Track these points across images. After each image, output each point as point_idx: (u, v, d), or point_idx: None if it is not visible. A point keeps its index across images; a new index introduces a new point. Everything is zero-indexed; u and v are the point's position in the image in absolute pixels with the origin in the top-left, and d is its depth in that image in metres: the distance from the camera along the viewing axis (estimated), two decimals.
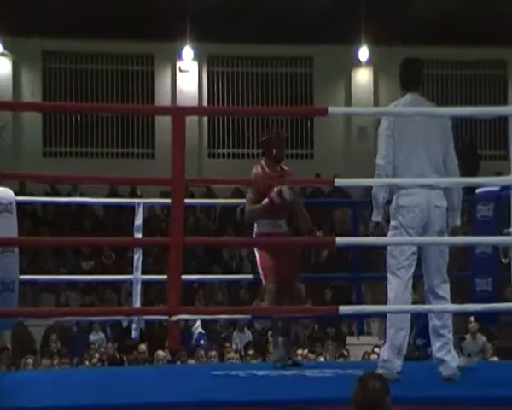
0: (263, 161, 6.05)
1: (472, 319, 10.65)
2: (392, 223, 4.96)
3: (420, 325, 8.49)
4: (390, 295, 4.96)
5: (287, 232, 6.03)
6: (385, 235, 4.99)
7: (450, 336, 4.99)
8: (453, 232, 5.03)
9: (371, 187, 5.19)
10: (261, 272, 5.96)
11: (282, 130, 6.07)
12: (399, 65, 5.25)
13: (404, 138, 4.96)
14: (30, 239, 8.99)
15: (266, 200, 5.86)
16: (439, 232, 4.96)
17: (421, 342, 7.84)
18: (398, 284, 4.93)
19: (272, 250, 5.87)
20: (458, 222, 5.08)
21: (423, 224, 4.94)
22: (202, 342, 11.65)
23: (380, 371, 4.79)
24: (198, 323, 11.75)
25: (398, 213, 4.94)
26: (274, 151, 5.99)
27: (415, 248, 4.95)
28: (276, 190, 5.85)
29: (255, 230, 6.03)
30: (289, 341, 6.05)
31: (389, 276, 4.99)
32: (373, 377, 3.22)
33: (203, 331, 11.84)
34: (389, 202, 5.05)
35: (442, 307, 5.02)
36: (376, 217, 4.96)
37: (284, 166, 6.11)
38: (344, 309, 4.78)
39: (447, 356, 4.98)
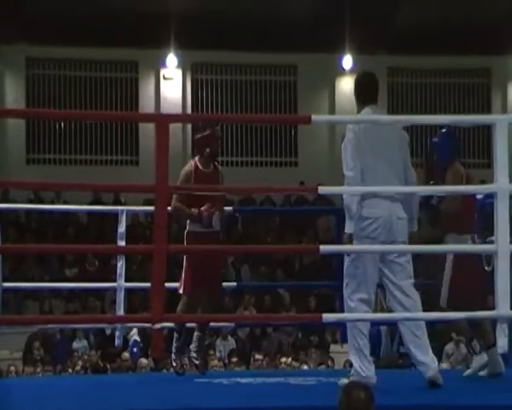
0: (197, 158, 5.97)
1: None
2: (356, 233, 4.98)
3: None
4: (349, 304, 4.98)
5: (219, 231, 5.95)
6: None
7: (426, 338, 5.01)
8: (412, 238, 5.06)
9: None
10: (181, 281, 5.94)
11: (218, 128, 5.99)
12: (355, 79, 5.31)
13: (369, 150, 4.98)
14: (13, 247, 8.95)
15: (195, 211, 5.82)
16: (402, 243, 4.98)
17: (404, 350, 7.85)
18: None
19: (199, 261, 5.84)
20: (415, 228, 5.13)
21: (387, 235, 4.96)
22: (135, 350, 11.58)
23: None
24: (134, 330, 11.69)
25: (361, 222, 4.96)
26: (208, 149, 5.93)
27: (377, 261, 4.97)
28: (206, 211, 5.80)
29: (187, 227, 5.95)
30: (201, 348, 6.04)
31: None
32: (357, 387, 3.23)
33: (138, 339, 11.78)
34: None
35: (426, 314, 5.04)
36: (349, 228, 4.97)
37: (218, 165, 6.05)
38: (327, 317, 4.79)
39: (426, 358, 4.99)
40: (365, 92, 5.19)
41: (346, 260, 5.04)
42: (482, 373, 5.65)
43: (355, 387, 3.24)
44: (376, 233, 4.95)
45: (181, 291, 5.93)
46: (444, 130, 5.93)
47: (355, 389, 3.20)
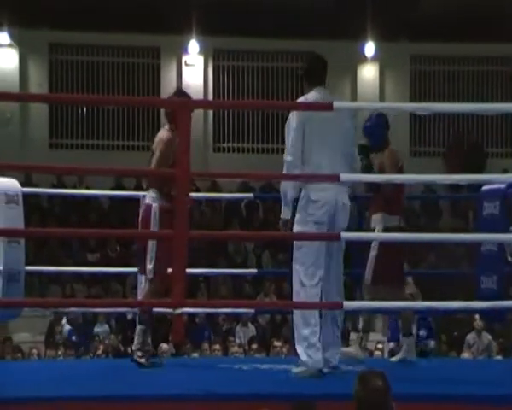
0: (168, 127, 5.80)
1: (477, 316, 10.65)
2: (299, 217, 4.96)
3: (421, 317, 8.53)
4: (298, 290, 4.97)
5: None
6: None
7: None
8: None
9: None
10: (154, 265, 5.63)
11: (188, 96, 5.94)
12: (305, 61, 5.34)
13: (315, 134, 4.98)
14: (36, 230, 9.03)
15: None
16: (342, 230, 4.97)
17: (424, 334, 7.90)
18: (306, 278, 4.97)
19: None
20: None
21: (330, 220, 4.96)
22: (74, 338, 11.59)
23: (298, 369, 4.89)
24: (64, 320, 11.69)
25: (307, 207, 4.93)
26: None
27: (323, 246, 4.97)
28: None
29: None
30: (146, 332, 5.70)
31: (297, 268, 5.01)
32: (375, 375, 3.22)
33: (72, 328, 11.80)
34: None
35: (442, 304, 5.05)
36: (286, 214, 4.97)
37: None
38: (348, 305, 4.80)
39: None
40: (314, 74, 5.26)
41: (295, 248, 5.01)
42: (393, 359, 5.78)
43: (372, 375, 3.22)
44: (325, 218, 4.93)
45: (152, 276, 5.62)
46: (375, 113, 5.94)
47: (372, 378, 3.19)
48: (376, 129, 5.92)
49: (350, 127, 5.12)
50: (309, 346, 4.92)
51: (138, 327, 5.70)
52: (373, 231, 5.72)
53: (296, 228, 5.01)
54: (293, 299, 5.03)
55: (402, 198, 5.66)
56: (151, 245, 5.61)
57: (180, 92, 5.98)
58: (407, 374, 5.20)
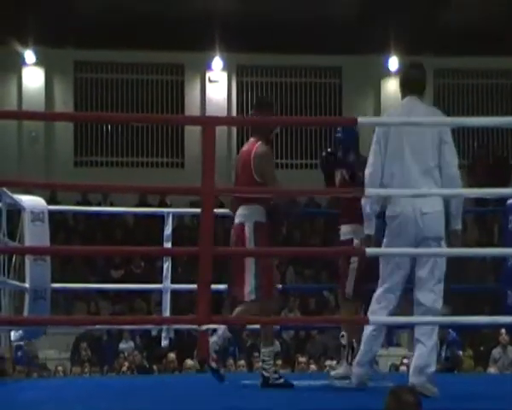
0: (259, 140, 5.55)
1: (503, 331, 10.56)
2: (386, 231, 4.93)
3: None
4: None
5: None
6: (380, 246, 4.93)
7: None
8: (454, 237, 4.93)
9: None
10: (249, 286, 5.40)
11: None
12: (402, 69, 5.26)
13: (391, 146, 4.91)
14: (61, 248, 9.07)
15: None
16: (433, 239, 4.85)
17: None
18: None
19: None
20: (458, 226, 4.96)
21: (410, 232, 4.84)
22: (19, 353, 11.44)
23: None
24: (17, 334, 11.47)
25: (387, 221, 4.91)
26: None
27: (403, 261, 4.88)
28: None
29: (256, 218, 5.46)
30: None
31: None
32: (406, 391, 3.21)
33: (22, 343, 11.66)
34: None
35: (472, 318, 5.00)
36: (367, 229, 4.92)
37: None
38: (375, 319, 4.77)
39: None
40: (407, 83, 5.13)
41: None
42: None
43: (404, 390, 3.21)
44: (400, 229, 4.83)
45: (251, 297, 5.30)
46: (353, 128, 5.92)
47: (404, 393, 3.18)
48: (347, 140, 5.83)
49: (432, 139, 4.94)
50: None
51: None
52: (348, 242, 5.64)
53: (384, 242, 4.96)
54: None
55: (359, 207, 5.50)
56: (249, 265, 5.33)
57: (261, 104, 5.73)
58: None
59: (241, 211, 5.44)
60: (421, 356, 4.74)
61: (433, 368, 4.76)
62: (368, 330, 4.96)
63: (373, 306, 4.92)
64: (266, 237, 5.35)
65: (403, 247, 4.80)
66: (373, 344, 4.99)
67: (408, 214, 4.82)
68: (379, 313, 4.85)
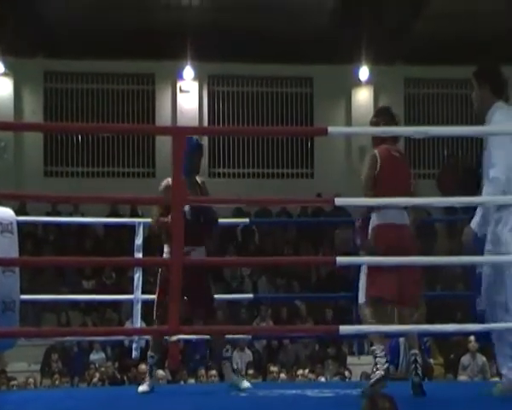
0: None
1: (472, 338, 10.62)
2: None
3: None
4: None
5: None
6: None
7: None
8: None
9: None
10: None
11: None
12: (488, 72, 5.25)
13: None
14: (31, 259, 8.99)
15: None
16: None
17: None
18: None
19: None
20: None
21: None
22: None
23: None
24: None
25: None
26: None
27: None
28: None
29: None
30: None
31: None
32: (383, 397, 3.24)
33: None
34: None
35: (441, 326, 5.02)
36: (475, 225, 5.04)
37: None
38: (345, 329, 4.78)
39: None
40: (499, 85, 5.25)
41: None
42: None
43: (381, 397, 3.24)
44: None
45: None
46: (193, 138, 5.80)
47: (381, 400, 3.21)
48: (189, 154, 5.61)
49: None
50: None
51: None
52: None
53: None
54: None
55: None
56: (364, 269, 5.40)
57: (383, 112, 5.62)
58: (415, 399, 5.14)
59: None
60: None
61: None
62: None
63: None
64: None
65: None
66: None
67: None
68: None
